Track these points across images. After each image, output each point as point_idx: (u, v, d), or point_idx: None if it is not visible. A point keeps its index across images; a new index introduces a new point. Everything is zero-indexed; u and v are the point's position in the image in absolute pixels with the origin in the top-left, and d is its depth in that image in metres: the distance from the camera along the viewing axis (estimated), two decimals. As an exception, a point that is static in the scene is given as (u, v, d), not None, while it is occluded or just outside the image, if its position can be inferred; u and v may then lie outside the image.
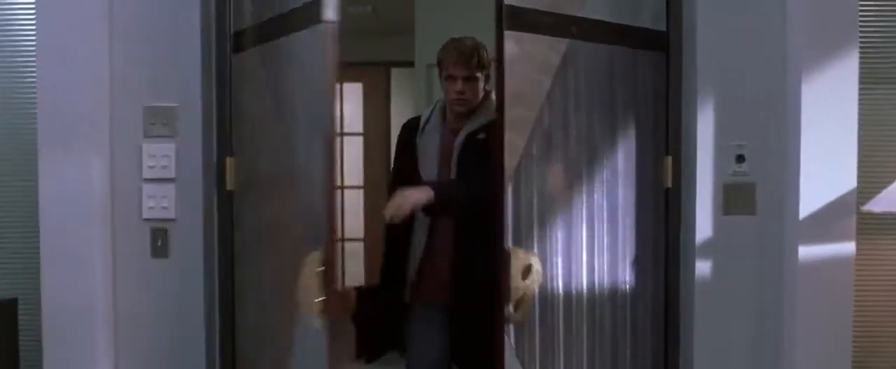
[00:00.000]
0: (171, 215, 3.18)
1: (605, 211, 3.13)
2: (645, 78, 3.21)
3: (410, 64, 7.81)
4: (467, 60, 3.47)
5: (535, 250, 2.93)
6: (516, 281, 2.83)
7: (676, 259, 3.24)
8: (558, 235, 3.02)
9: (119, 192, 3.20)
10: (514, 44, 2.86)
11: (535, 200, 2.94)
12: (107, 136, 3.17)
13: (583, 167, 3.08)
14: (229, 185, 3.23)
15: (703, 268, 3.16)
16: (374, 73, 9.06)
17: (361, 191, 8.61)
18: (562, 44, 3.01)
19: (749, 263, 3.18)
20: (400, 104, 9.37)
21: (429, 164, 3.52)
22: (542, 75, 2.95)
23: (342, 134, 8.47)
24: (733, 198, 3.17)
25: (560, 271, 3.02)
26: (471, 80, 3.48)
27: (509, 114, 2.81)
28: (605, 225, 3.13)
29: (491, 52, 3.27)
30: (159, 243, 3.18)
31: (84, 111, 3.13)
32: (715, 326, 3.18)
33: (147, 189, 3.19)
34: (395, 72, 9.33)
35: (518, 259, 2.83)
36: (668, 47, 3.23)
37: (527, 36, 2.91)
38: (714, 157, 3.16)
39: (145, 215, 3.19)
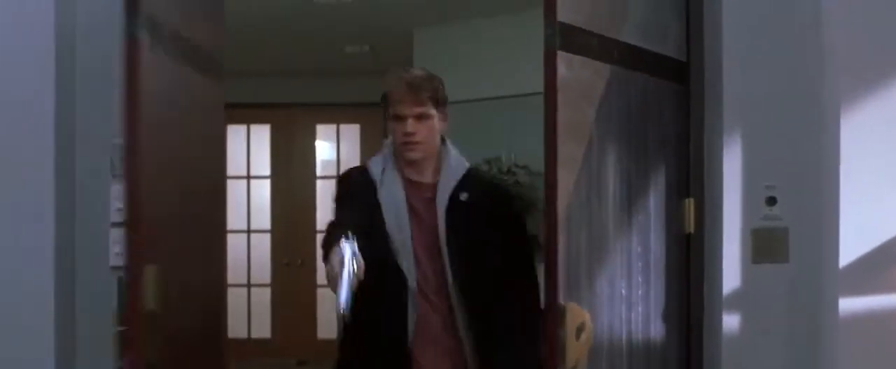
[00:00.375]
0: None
1: (640, 259, 2.84)
2: (670, 111, 2.94)
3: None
4: (416, 94, 2.77)
5: (583, 304, 2.62)
6: (571, 342, 2.53)
7: (700, 312, 2.95)
8: (604, 287, 2.71)
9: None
10: (565, 68, 2.56)
11: (583, 248, 2.63)
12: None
13: (622, 211, 2.79)
14: None
15: (730, 322, 2.91)
16: (373, 114, 8.90)
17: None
18: (605, 70, 2.74)
19: (782, 317, 2.94)
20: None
21: (397, 226, 2.79)
22: (587, 106, 2.66)
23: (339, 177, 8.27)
24: (764, 245, 2.93)
25: (605, 328, 2.70)
26: (424, 118, 2.79)
27: (561, 151, 2.52)
28: (639, 275, 2.84)
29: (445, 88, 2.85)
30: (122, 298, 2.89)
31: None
32: None
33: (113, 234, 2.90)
34: (393, 113, 9.17)
35: (573, 316, 2.53)
36: (690, 79, 2.96)
37: (577, 59, 2.62)
38: (742, 200, 2.94)
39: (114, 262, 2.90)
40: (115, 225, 2.86)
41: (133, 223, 2.55)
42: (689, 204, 2.97)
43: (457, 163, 2.87)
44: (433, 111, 2.80)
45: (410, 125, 2.76)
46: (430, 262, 2.77)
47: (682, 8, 3.02)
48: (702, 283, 2.97)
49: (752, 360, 2.90)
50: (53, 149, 2.83)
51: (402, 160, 2.84)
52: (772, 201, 2.90)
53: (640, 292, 2.86)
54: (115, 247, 2.84)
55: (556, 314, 2.50)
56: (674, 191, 2.98)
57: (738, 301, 2.90)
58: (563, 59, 2.54)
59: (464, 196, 2.81)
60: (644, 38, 2.86)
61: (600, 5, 2.74)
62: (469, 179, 2.84)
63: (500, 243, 2.81)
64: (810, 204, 2.90)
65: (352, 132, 8.57)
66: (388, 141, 2.87)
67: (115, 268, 2.86)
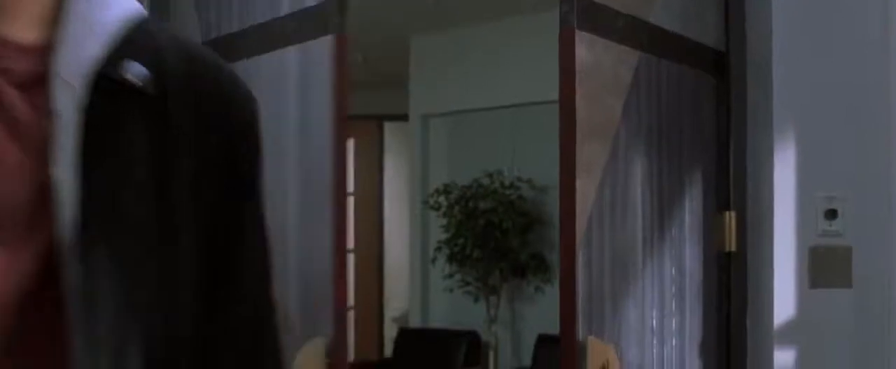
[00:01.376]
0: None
1: (674, 283, 2.39)
2: (708, 108, 2.52)
3: (404, 117, 7.37)
4: None
5: (608, 339, 2.17)
6: None
7: (743, 346, 2.50)
8: (631, 317, 2.26)
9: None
10: (586, 50, 2.14)
11: (607, 270, 2.19)
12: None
13: (653, 226, 2.35)
14: None
15: (784, 358, 2.47)
16: (367, 127, 8.62)
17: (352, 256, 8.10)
18: (632, 57, 2.31)
19: (845, 350, 2.52)
20: (393, 161, 8.98)
21: None
22: (613, 98, 2.22)
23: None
24: (822, 267, 2.50)
25: (634, 367, 2.25)
26: None
27: (580, 152, 2.09)
28: (673, 301, 2.39)
29: None
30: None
31: None
32: None
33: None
34: (388, 126, 8.95)
35: (596, 354, 2.10)
36: (730, 71, 2.54)
37: (599, 42, 2.19)
38: (796, 213, 2.49)
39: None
40: None
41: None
42: (730, 217, 2.54)
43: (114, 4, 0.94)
44: None
45: None
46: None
47: (719, -11, 2.60)
48: (744, 312, 2.53)
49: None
50: None
51: None
52: (831, 215, 2.47)
53: (674, 323, 2.42)
54: None
55: (574, 351, 2.09)
56: (710, 203, 2.55)
57: (792, 333, 2.47)
58: (582, 39, 2.11)
59: (133, 73, 0.90)
60: (677, 23, 2.44)
61: (626, -21, 2.32)
62: (145, 40, 0.94)
63: (210, 208, 0.94)
64: (877, 218, 2.52)
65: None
66: None
67: None
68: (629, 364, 2.28)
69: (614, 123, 2.25)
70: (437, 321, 6.65)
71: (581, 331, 2.11)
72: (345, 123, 2.15)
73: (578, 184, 2.11)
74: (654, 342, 2.38)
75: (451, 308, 6.37)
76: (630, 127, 2.29)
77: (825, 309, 2.47)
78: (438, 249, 6.23)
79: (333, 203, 2.14)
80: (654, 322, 2.37)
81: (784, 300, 2.46)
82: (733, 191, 2.57)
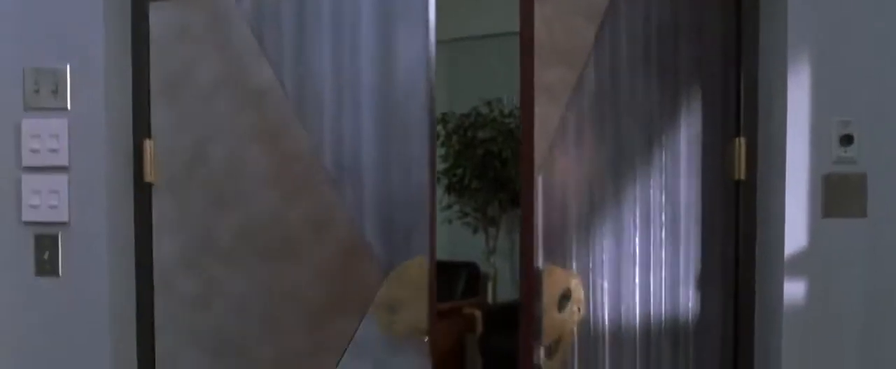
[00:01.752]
0: (63, 217, 2.33)
1: (665, 213, 2.29)
2: (713, 27, 2.37)
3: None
4: None
5: (575, 268, 2.09)
6: (551, 313, 2.06)
7: (751, 278, 2.39)
8: (605, 247, 2.17)
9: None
10: None
11: (573, 198, 2.09)
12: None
13: (636, 153, 2.24)
14: (148, 177, 2.39)
15: (794, 290, 2.35)
16: None
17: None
18: None
19: (857, 282, 2.38)
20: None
21: None
22: (584, 21, 2.09)
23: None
24: (836, 195, 2.36)
25: (607, 297, 2.17)
26: None
27: (543, 76, 1.96)
28: (663, 231, 2.29)
29: None
30: (47, 256, 2.32)
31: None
32: (810, 366, 2.38)
33: (28, 181, 2.33)
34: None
35: (553, 282, 1.99)
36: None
37: None
38: (809, 139, 2.36)
39: (26, 217, 2.35)
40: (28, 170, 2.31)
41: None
42: (739, 144, 2.41)
43: None
44: None
45: None
46: None
47: None
48: (753, 243, 2.42)
49: (821, 337, 2.35)
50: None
51: None
52: (846, 141, 2.33)
53: (664, 253, 2.33)
54: (32, 199, 2.30)
55: (532, 279, 2.08)
56: (718, 129, 2.42)
57: (803, 264, 2.34)
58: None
59: None
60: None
61: None
62: None
63: None
64: (894, 144, 2.37)
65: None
66: None
67: (28, 223, 2.33)
68: (604, 293, 2.21)
69: (585, 46, 2.13)
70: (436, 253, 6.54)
71: (541, 259, 2.09)
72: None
73: (539, 109, 2.02)
74: (638, 272, 2.30)
75: (450, 239, 6.27)
76: (606, 49, 2.17)
77: (838, 239, 2.34)
78: (437, 180, 6.10)
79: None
80: (638, 251, 2.30)
81: (795, 230, 2.33)
82: (743, 116, 2.44)
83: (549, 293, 2.12)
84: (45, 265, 2.33)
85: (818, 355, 2.35)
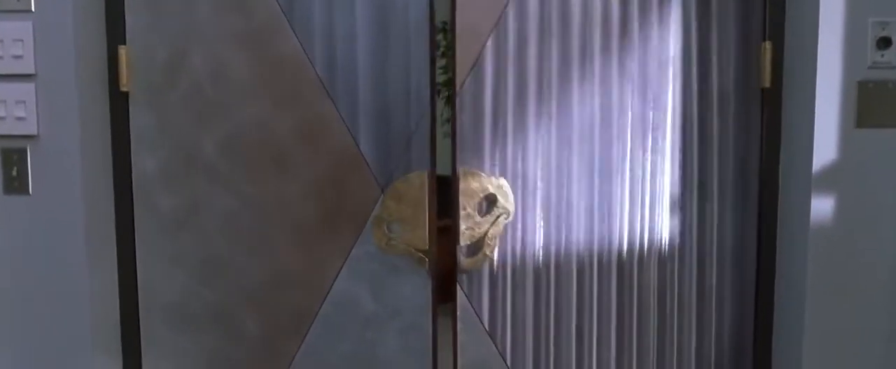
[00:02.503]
0: (32, 130, 2.14)
1: (647, 121, 2.13)
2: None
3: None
4: None
5: (509, 173, 2.09)
6: (473, 216, 2.15)
7: (773, 191, 2.23)
8: (555, 149, 2.05)
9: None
10: None
11: (513, 86, 1.96)
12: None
13: (608, 55, 2.08)
14: (124, 86, 2.20)
15: (822, 206, 2.15)
16: None
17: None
18: None
19: (890, 196, 2.18)
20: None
21: None
22: None
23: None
24: (871, 103, 2.16)
25: (548, 208, 2.08)
26: None
27: None
28: (650, 139, 2.13)
29: None
30: (15, 172, 2.14)
31: None
32: (837, 300, 2.20)
33: (-8, 91, 2.17)
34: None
35: (471, 187, 2.11)
36: None
37: None
38: (842, 43, 2.15)
39: (-7, 130, 2.17)
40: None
41: None
42: (765, 49, 2.22)
43: None
44: None
45: None
46: None
47: None
48: (777, 155, 2.24)
49: (849, 256, 2.17)
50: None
51: None
52: (884, 43, 2.12)
53: (648, 163, 2.19)
54: (-4, 109, 2.11)
55: (457, 184, 2.12)
56: (736, 31, 2.23)
57: (832, 178, 2.15)
58: None
59: None
60: None
61: None
62: None
63: None
64: None
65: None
66: None
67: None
68: (547, 198, 2.10)
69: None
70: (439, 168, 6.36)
71: (463, 159, 2.09)
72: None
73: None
74: (600, 184, 2.19)
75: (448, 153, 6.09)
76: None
77: (872, 150, 2.14)
78: (437, 92, 5.90)
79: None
80: (597, 159, 2.20)
81: (825, 142, 2.13)
82: (770, 18, 2.24)
83: (469, 199, 2.10)
84: (14, 182, 2.14)
85: (846, 276, 2.17)
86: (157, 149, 2.25)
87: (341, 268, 2.23)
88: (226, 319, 2.27)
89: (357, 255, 2.22)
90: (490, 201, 2.15)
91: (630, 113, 2.20)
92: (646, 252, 2.25)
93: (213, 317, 2.28)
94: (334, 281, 2.23)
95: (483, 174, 2.15)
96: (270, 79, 2.19)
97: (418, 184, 2.19)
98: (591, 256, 2.23)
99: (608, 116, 2.20)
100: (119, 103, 2.24)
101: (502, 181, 2.15)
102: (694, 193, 2.25)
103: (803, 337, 2.16)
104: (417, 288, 2.22)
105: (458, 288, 2.22)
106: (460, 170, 2.16)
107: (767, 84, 2.23)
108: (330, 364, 2.26)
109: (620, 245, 2.24)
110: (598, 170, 2.20)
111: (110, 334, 2.28)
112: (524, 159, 2.19)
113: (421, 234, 2.19)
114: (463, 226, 2.17)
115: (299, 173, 2.22)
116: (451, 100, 2.20)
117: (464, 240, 2.17)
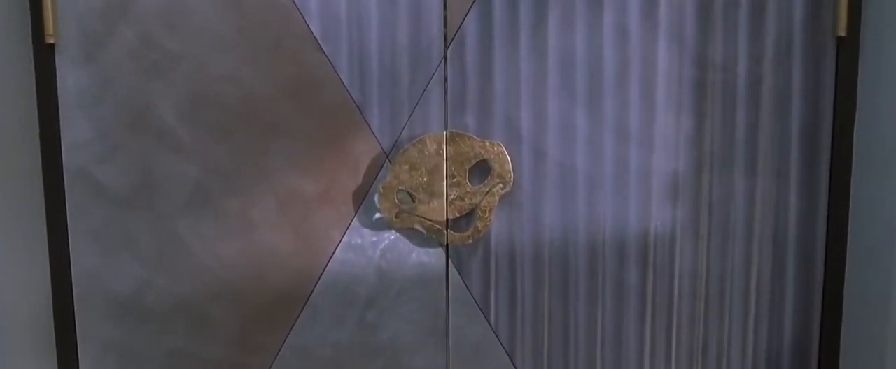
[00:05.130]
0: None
1: (678, 79, 1.78)
2: None
3: None
4: None
5: (507, 135, 1.84)
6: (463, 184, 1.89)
7: (847, 165, 1.91)
8: (560, 112, 1.72)
9: None
10: None
11: (497, 55, 1.67)
12: None
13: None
14: (50, 36, 1.73)
15: None
16: None
17: None
18: None
19: None
20: None
21: None
22: None
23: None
24: None
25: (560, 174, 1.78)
26: None
27: None
28: (686, 93, 1.81)
29: None
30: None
31: None
32: None
33: None
34: None
35: (461, 151, 1.86)
36: None
37: None
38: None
39: None
40: None
41: None
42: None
43: None
44: None
45: None
46: None
47: None
48: (852, 114, 1.90)
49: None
50: None
51: None
52: None
53: (686, 122, 1.85)
54: None
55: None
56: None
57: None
58: None
59: None
60: None
61: None
62: None
63: None
64: None
65: None
66: None
67: None
68: (566, 171, 1.83)
69: None
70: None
71: (451, 120, 1.84)
72: None
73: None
74: (633, 148, 1.86)
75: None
76: None
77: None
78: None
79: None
80: (607, 120, 1.87)
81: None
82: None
83: (458, 162, 1.83)
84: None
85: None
86: (94, 112, 1.79)
87: (338, 245, 1.89)
88: (190, 312, 1.88)
89: (357, 229, 1.88)
90: (483, 168, 1.85)
91: (661, 64, 1.84)
92: (677, 233, 1.92)
93: (173, 311, 1.88)
94: (329, 260, 1.88)
95: (477, 141, 1.83)
96: (246, 27, 1.75)
97: (434, 149, 1.83)
98: (603, 234, 1.91)
99: (632, 70, 1.85)
100: (44, 58, 1.76)
101: (497, 148, 1.84)
102: (741, 165, 1.92)
103: (886, 348, 1.88)
104: (429, 265, 1.91)
105: (450, 264, 1.92)
106: (452, 133, 1.85)
107: (843, 32, 1.88)
108: (321, 358, 1.91)
109: (645, 223, 1.91)
110: (618, 134, 1.85)
111: (43, 334, 1.86)
112: (525, 119, 1.86)
113: (437, 205, 1.85)
114: (452, 195, 1.85)
115: (283, 139, 1.83)
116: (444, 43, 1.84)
117: (452, 212, 1.86)
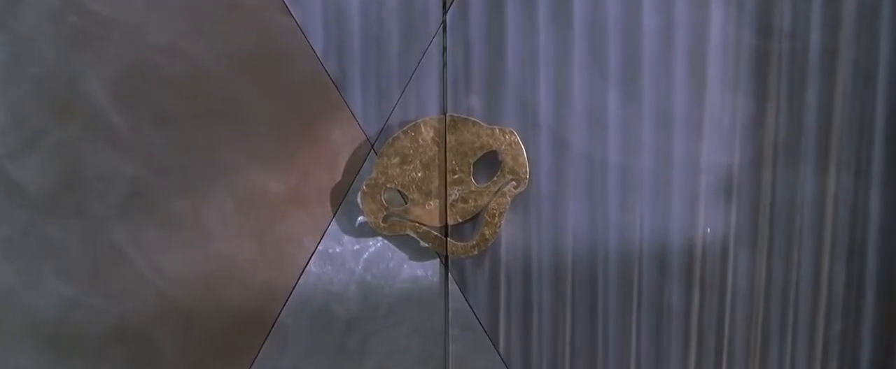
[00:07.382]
0: None
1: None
2: None
3: None
4: None
5: (521, 123, 1.66)
6: (466, 182, 1.66)
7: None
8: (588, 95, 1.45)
9: None
10: None
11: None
12: None
13: None
14: None
15: None
16: None
17: None
18: None
19: None
20: None
21: None
22: None
23: None
24: None
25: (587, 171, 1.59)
26: None
27: None
28: (739, 68, 1.55)
29: None
30: None
31: None
32: None
33: None
34: None
35: (464, 141, 1.64)
36: None
37: None
38: None
39: None
40: None
41: None
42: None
43: None
44: None
45: None
46: None
47: None
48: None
49: None
50: None
51: None
52: None
53: (741, 105, 1.61)
54: None
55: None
56: None
57: None
58: None
59: None
60: None
61: None
62: None
63: None
64: None
65: None
66: None
67: None
68: (594, 168, 1.55)
69: None
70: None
71: (452, 105, 1.69)
72: None
73: None
74: (678, 137, 1.60)
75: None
76: None
77: None
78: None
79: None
80: (646, 103, 1.62)
81: None
82: None
83: (464, 154, 1.60)
84: None
85: None
86: (4, 93, 1.51)
87: (311, 255, 1.65)
88: (130, 339, 1.63)
89: (335, 236, 1.64)
90: (491, 162, 1.63)
91: (714, 33, 1.58)
92: (730, 242, 1.65)
93: (108, 337, 1.62)
94: (301, 274, 1.64)
95: (484, 128, 1.60)
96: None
97: (430, 137, 1.56)
98: (639, 244, 1.64)
99: (677, 39, 1.58)
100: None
101: (509, 134, 1.62)
102: (811, 159, 1.65)
103: None
104: (424, 280, 1.67)
105: (451, 279, 1.67)
106: (452, 117, 1.61)
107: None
108: (289, 394, 1.66)
109: (691, 230, 1.64)
110: (659, 120, 1.60)
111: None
112: (543, 101, 1.61)
113: (434, 207, 1.61)
114: (453, 196, 1.61)
115: (242, 126, 1.57)
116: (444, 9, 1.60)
117: (453, 216, 1.63)
